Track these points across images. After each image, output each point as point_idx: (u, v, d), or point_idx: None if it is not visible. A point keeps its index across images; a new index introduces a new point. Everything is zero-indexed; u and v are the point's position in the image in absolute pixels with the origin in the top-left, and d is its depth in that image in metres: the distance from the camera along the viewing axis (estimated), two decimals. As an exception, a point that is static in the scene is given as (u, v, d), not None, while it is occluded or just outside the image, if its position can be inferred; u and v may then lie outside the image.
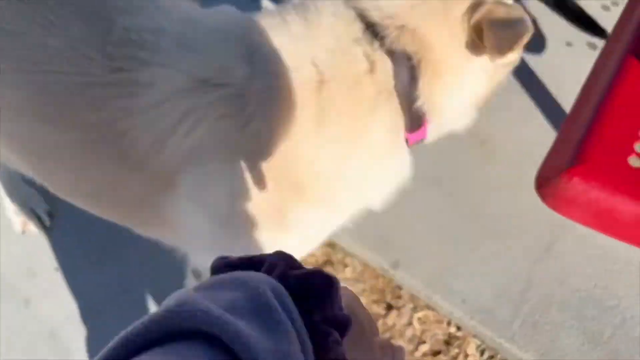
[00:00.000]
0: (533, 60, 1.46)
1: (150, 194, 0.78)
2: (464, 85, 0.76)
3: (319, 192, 0.76)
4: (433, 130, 0.79)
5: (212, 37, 0.75)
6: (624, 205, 0.75)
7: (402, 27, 0.70)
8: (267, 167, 0.72)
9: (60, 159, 0.81)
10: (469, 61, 0.73)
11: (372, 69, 0.70)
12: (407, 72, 0.71)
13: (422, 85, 0.72)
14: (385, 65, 0.70)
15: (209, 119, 0.71)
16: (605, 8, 1.54)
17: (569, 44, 1.53)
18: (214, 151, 0.73)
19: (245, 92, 0.70)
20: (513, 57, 0.72)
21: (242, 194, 0.73)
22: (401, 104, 0.72)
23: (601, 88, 0.86)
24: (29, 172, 0.90)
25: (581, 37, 1.50)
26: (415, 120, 0.74)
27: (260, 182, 0.72)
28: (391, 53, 0.70)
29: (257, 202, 0.74)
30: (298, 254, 0.50)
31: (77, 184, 0.84)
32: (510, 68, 0.81)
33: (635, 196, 0.75)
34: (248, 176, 0.72)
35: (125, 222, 0.89)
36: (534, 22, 0.80)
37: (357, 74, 0.71)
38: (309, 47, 0.71)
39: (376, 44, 0.70)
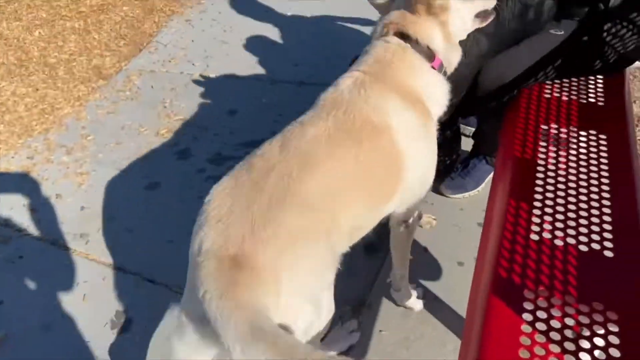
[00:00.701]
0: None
1: None
2: (437, 33, 1.42)
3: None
4: (443, 59, 1.44)
5: None
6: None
7: (399, 25, 1.42)
8: None
9: None
10: (433, 22, 1.41)
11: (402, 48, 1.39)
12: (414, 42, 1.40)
13: (422, 42, 1.40)
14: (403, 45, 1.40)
15: None
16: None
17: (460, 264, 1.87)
18: None
19: None
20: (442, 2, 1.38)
21: None
22: (419, 52, 1.39)
23: (482, 299, 1.09)
24: None
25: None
26: (429, 57, 1.41)
27: None
28: (403, 37, 1.40)
29: None
30: None
31: None
32: (451, 15, 1.42)
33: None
34: None
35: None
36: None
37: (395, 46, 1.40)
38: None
39: (392, 36, 1.42)
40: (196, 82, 3.06)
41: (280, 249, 1.04)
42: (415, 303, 1.77)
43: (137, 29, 3.67)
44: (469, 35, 1.60)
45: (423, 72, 1.40)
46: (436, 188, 2.21)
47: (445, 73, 1.47)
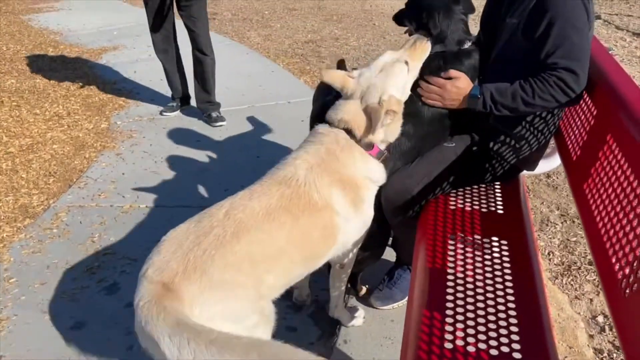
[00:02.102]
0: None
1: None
2: (379, 132, 1.72)
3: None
4: (381, 148, 1.78)
5: None
6: None
7: (347, 121, 1.73)
8: None
9: None
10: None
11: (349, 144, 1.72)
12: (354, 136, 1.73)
13: (362, 137, 1.73)
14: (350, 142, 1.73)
15: None
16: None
17: None
18: None
19: None
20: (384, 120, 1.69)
21: None
22: (362, 146, 1.73)
23: None
24: None
25: None
26: (369, 147, 1.75)
27: None
28: (348, 131, 1.72)
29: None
30: None
31: None
32: (392, 119, 1.74)
33: None
34: None
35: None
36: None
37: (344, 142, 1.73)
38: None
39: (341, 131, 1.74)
40: (126, 214, 3.08)
41: (200, 291, 1.34)
42: (352, 321, 2.17)
43: (67, 166, 3.71)
44: None
45: (364, 162, 1.75)
46: (366, 300, 2.26)
47: (382, 155, 1.78)
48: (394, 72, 1.76)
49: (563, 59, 1.68)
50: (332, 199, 1.64)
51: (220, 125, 4.20)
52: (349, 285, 2.22)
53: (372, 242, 2.03)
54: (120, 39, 6.89)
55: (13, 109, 4.64)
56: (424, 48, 1.83)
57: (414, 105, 1.89)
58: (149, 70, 5.32)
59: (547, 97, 1.71)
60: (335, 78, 1.80)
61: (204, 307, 1.34)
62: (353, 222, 1.72)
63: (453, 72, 1.85)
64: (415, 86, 1.87)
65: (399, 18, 2.14)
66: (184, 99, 4.55)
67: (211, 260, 1.39)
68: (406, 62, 1.78)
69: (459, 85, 1.84)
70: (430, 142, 1.96)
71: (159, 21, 4.07)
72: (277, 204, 1.56)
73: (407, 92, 1.82)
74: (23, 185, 3.46)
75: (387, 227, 2.08)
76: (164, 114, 4.47)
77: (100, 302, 2.40)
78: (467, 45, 1.95)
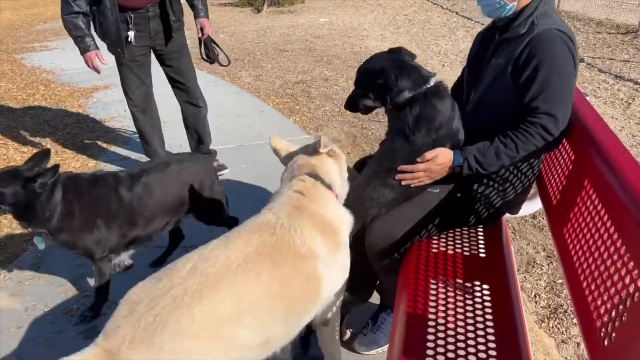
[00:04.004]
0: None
1: None
2: (335, 170, 1.80)
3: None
4: (338, 192, 1.80)
5: None
6: None
7: (301, 165, 1.77)
8: None
9: None
10: (331, 162, 1.81)
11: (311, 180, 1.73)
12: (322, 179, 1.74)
13: (326, 179, 1.75)
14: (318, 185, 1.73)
15: None
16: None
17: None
18: None
19: None
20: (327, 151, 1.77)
21: None
22: (326, 187, 1.73)
23: None
24: None
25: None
26: (330, 189, 1.74)
27: None
28: (313, 176, 1.73)
29: None
30: None
31: None
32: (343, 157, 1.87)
33: None
34: None
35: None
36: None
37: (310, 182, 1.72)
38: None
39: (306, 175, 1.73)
40: (109, 254, 3.03)
41: None
42: None
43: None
44: (374, 188, 1.91)
45: (333, 200, 1.74)
46: (349, 345, 2.22)
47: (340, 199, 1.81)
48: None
49: (545, 104, 1.73)
50: (315, 246, 1.55)
51: (222, 175, 3.92)
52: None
53: (359, 285, 2.01)
54: (111, 77, 6.90)
55: (0, 147, 4.63)
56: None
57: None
58: (139, 109, 5.36)
59: (531, 147, 1.76)
60: (279, 144, 1.88)
61: None
62: (334, 269, 1.62)
63: (428, 155, 1.85)
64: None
65: (352, 104, 2.11)
66: None
67: (162, 327, 1.25)
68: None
69: (439, 162, 1.85)
70: (413, 192, 1.95)
71: (138, 77, 3.61)
72: (255, 251, 1.44)
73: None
74: (6, 224, 3.42)
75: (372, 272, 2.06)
76: None
77: (78, 346, 2.33)
78: (431, 82, 1.93)
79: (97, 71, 3.46)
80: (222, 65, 3.86)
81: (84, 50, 3.34)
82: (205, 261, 1.38)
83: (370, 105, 2.08)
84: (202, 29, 3.63)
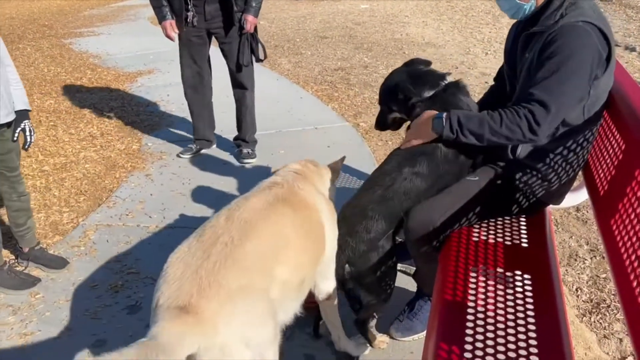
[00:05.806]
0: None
1: None
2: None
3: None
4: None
5: None
6: None
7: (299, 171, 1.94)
8: None
9: None
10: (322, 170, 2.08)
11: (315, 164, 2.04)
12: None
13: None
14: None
15: None
16: None
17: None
18: None
19: None
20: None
21: None
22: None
23: None
24: None
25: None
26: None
27: None
28: (306, 177, 1.92)
29: None
30: None
31: None
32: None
33: None
34: None
35: None
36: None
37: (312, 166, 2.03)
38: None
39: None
40: (152, 234, 3.13)
41: (220, 304, 1.30)
42: (360, 349, 2.13)
43: (98, 185, 3.81)
44: (405, 177, 1.92)
45: (331, 185, 2.07)
46: (385, 331, 2.23)
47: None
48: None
49: (542, 92, 1.67)
50: (317, 202, 1.81)
51: (248, 163, 4.05)
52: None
53: (379, 285, 2.00)
54: (155, 62, 7.11)
55: (50, 129, 4.81)
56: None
57: (428, 144, 1.91)
58: (181, 94, 5.46)
59: (514, 127, 1.70)
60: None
61: (227, 321, 1.31)
62: (331, 226, 1.84)
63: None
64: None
65: (381, 123, 2.28)
66: (206, 143, 4.29)
67: (225, 270, 1.36)
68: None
69: (423, 117, 1.93)
70: (448, 180, 1.94)
71: (190, 57, 3.88)
72: (274, 198, 1.68)
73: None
74: (55, 202, 3.56)
75: (395, 270, 2.05)
76: (181, 156, 4.20)
77: (122, 321, 2.43)
78: (448, 79, 2.08)
79: (171, 39, 3.79)
80: (258, 60, 3.92)
81: (161, 19, 3.71)
82: (236, 211, 1.57)
83: (398, 119, 2.22)
84: (243, 25, 3.70)
